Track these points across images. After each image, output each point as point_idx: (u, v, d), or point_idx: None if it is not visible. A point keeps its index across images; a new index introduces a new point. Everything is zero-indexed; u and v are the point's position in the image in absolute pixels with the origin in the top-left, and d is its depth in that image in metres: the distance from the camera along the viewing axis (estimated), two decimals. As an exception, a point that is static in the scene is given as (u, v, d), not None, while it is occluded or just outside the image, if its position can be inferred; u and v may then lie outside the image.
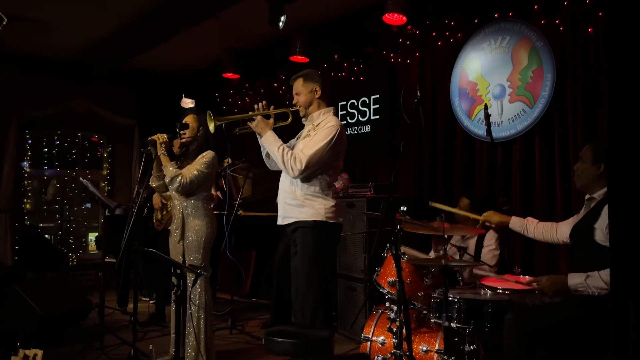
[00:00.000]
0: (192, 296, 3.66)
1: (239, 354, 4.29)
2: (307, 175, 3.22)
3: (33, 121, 7.51)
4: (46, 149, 7.93)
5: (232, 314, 5.07)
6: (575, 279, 2.65)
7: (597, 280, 2.59)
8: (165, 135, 3.78)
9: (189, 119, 3.88)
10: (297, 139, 3.48)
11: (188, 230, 3.77)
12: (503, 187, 4.27)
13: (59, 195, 7.74)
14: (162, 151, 3.74)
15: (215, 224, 3.86)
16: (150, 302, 5.87)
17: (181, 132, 3.80)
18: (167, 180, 3.68)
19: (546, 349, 2.77)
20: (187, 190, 3.70)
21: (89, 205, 8.26)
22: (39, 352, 1.94)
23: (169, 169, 3.67)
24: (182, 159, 3.91)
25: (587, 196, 2.86)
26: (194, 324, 3.69)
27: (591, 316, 2.62)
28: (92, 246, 8.19)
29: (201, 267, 3.17)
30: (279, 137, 3.33)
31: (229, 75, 6.75)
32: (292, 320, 3.63)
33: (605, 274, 2.57)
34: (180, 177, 3.64)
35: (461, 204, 4.11)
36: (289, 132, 3.55)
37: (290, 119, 3.44)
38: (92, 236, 8.22)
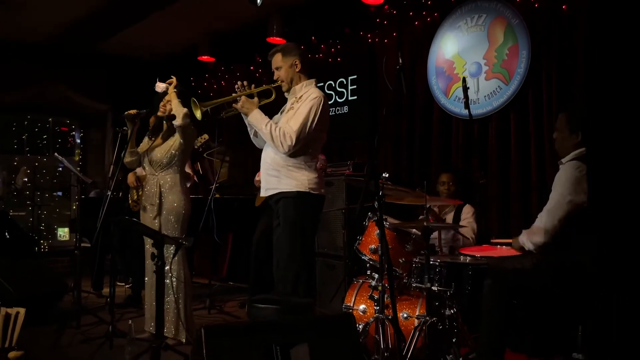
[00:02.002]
0: (171, 270, 3.65)
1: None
2: None
3: (2, 106, 7.31)
4: (16, 135, 7.74)
5: (210, 294, 5.04)
6: (517, 243, 2.87)
7: (532, 235, 2.77)
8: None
9: (170, 96, 3.86)
10: (281, 113, 3.46)
11: (166, 206, 3.76)
12: (480, 162, 4.34)
13: (30, 181, 7.58)
14: (175, 90, 3.74)
15: (190, 202, 3.87)
16: (126, 286, 5.81)
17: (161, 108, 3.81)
18: (182, 116, 3.62)
19: (524, 312, 2.84)
20: (187, 135, 3.72)
21: (60, 193, 8.11)
22: (22, 310, 1.91)
23: (180, 106, 3.66)
24: (151, 136, 3.89)
25: (559, 162, 2.94)
26: (175, 297, 3.68)
27: (568, 280, 2.69)
28: (63, 239, 8.06)
29: (182, 238, 3.14)
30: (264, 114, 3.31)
31: (205, 58, 6.70)
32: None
33: (534, 228, 2.76)
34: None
35: (444, 179, 4.17)
36: (271, 108, 3.54)
37: (274, 96, 3.42)
38: (61, 231, 8.08)
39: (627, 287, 3.21)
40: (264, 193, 3.34)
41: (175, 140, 3.77)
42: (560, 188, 2.70)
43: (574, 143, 2.83)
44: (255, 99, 3.32)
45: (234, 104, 3.32)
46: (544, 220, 2.72)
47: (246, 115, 3.30)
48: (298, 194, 3.17)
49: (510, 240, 3.04)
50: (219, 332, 2.19)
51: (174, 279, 3.68)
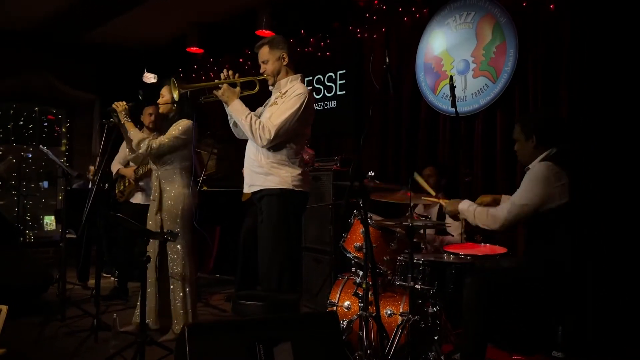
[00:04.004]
0: (172, 266, 3.66)
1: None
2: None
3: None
4: (1, 124, 7.66)
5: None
6: (464, 205, 2.87)
7: (482, 215, 2.79)
8: (124, 103, 3.76)
9: (164, 90, 3.88)
10: (265, 107, 3.44)
11: (164, 200, 3.76)
12: (466, 160, 4.37)
13: (15, 171, 7.52)
14: (126, 118, 3.71)
15: (192, 196, 3.81)
16: (112, 278, 5.80)
17: (158, 102, 3.82)
18: (134, 144, 3.66)
19: (505, 310, 2.88)
20: (155, 155, 3.70)
21: (46, 184, 8.05)
22: (4, 308, 1.90)
23: (135, 133, 3.66)
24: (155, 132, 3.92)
25: (525, 168, 2.97)
26: (179, 294, 3.71)
27: (546, 277, 2.73)
28: (49, 228, 8.01)
29: (167, 233, 3.14)
30: (246, 106, 3.25)
31: (193, 49, 6.66)
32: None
33: (490, 214, 2.77)
34: (147, 141, 3.64)
35: (427, 172, 4.20)
36: (255, 100, 3.53)
37: (257, 88, 3.35)
38: (47, 219, 8.03)
39: (604, 286, 3.27)
40: (247, 189, 3.30)
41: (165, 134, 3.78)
42: (529, 184, 2.72)
43: (532, 147, 2.85)
44: (238, 89, 3.25)
45: (214, 91, 3.24)
46: (506, 210, 2.73)
47: (226, 104, 3.24)
48: (281, 191, 3.13)
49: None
50: (202, 330, 2.20)
51: (173, 276, 3.69)
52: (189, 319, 3.72)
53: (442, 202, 2.99)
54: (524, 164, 2.98)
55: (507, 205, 2.75)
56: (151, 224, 3.80)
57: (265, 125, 3.11)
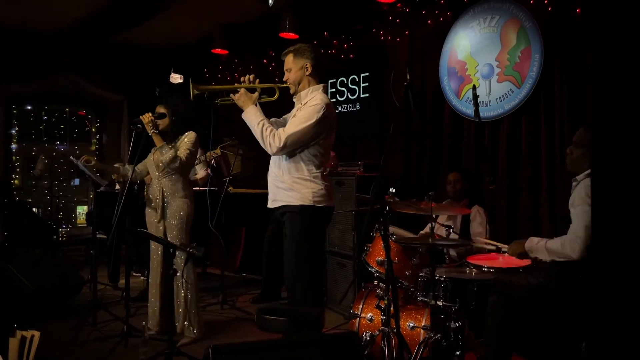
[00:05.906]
0: (184, 274, 3.76)
1: (230, 329, 4.38)
2: (293, 156, 3.16)
3: (19, 97, 7.45)
4: (33, 125, 7.87)
5: (223, 289, 5.14)
6: (531, 242, 2.77)
7: (555, 247, 2.69)
8: (149, 114, 3.86)
9: (160, 109, 3.99)
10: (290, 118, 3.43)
11: (169, 210, 3.89)
12: (490, 166, 4.34)
13: (47, 170, 7.72)
14: (153, 130, 3.80)
15: (193, 203, 3.98)
16: (142, 277, 5.92)
17: (157, 121, 3.91)
18: (165, 159, 3.77)
19: (528, 328, 2.87)
20: (181, 169, 3.85)
21: (77, 182, 8.24)
22: (37, 334, 1.99)
23: (167, 150, 3.79)
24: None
25: (573, 179, 2.89)
26: (188, 297, 3.83)
27: (573, 298, 2.71)
28: (81, 219, 8.21)
29: (194, 247, 3.22)
30: (268, 112, 3.24)
31: (218, 50, 6.71)
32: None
33: (552, 242, 2.70)
34: (180, 158, 3.78)
35: (450, 178, 4.19)
36: (278, 107, 3.54)
37: (276, 95, 3.33)
38: (80, 209, 8.23)
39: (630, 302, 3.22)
40: (270, 204, 3.30)
41: (181, 149, 3.88)
42: (586, 202, 2.65)
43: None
44: (255, 95, 3.22)
45: (232, 94, 3.23)
46: (581, 236, 2.61)
47: (242, 109, 3.22)
48: (302, 208, 3.12)
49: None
50: (226, 351, 2.26)
51: (185, 282, 3.79)
52: (194, 319, 3.87)
53: (503, 247, 2.94)
54: (570, 169, 2.86)
55: (579, 232, 2.64)
56: (152, 232, 3.93)
57: (277, 133, 3.10)
